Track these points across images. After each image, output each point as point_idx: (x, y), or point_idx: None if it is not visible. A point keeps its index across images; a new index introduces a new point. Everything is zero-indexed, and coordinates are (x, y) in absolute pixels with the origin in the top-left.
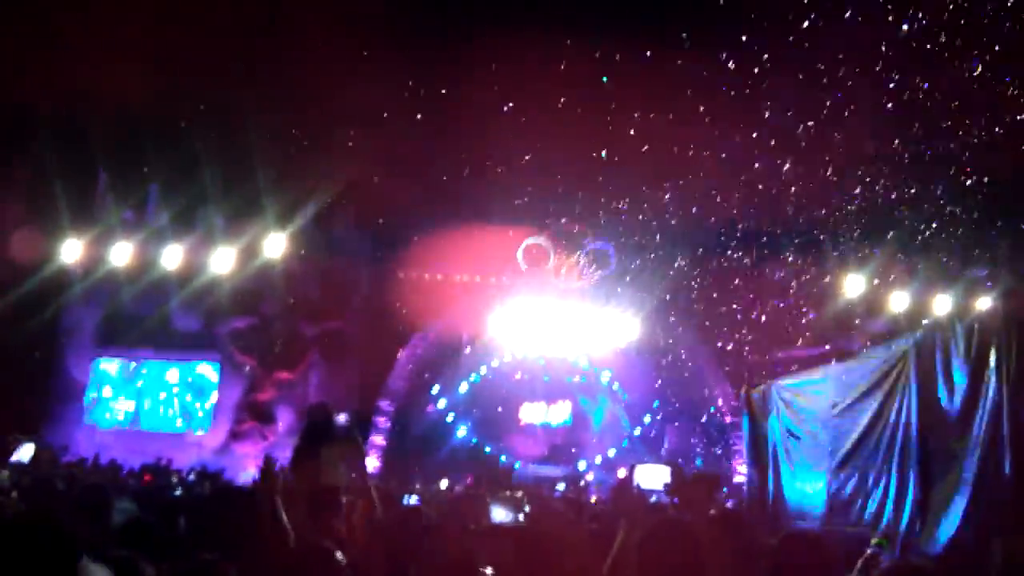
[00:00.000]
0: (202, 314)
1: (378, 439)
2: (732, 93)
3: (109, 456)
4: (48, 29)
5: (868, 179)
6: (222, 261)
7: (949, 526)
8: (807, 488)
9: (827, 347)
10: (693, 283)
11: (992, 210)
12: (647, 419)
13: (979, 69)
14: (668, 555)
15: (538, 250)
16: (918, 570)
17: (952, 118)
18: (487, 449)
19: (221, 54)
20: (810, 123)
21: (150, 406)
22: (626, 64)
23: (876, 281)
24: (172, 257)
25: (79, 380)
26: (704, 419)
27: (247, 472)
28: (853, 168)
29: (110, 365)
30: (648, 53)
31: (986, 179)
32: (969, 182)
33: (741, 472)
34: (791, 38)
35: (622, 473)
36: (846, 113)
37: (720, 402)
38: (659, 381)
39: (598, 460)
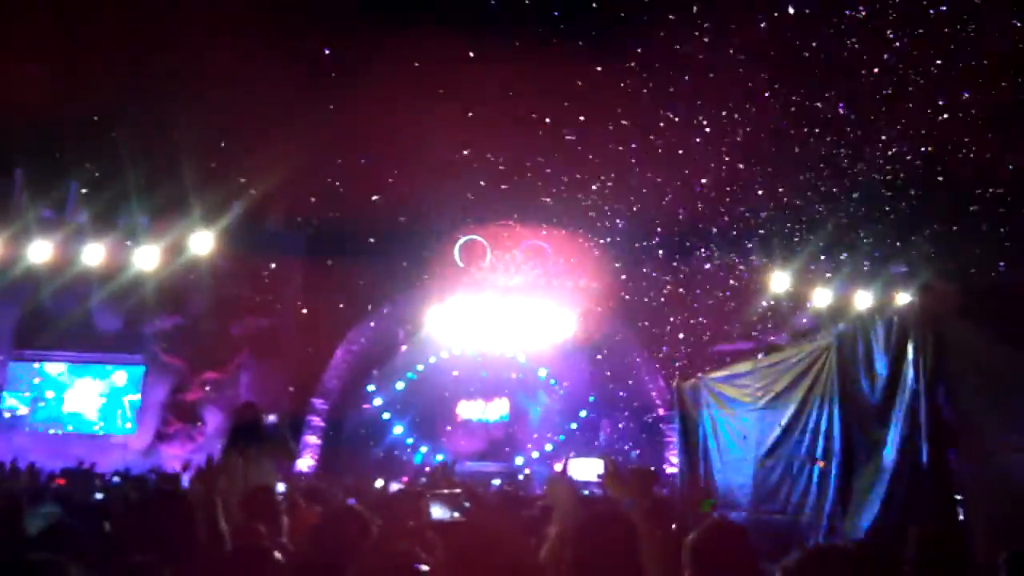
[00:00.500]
0: (125, 313)
1: (312, 439)
2: (661, 97)
3: (28, 460)
4: None
5: (792, 182)
6: (146, 259)
7: (870, 513)
8: (736, 478)
9: (755, 342)
10: (628, 280)
11: (909, 212)
12: (583, 413)
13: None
14: (604, 544)
15: (475, 247)
16: (843, 552)
17: (871, 125)
18: (423, 447)
19: (138, 52)
20: (735, 127)
21: (71, 408)
22: (560, 66)
23: (801, 278)
24: (93, 255)
25: None
26: (639, 412)
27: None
28: (778, 171)
29: (28, 365)
30: (580, 57)
31: (902, 183)
32: (887, 187)
33: (674, 463)
34: (713, 44)
35: (559, 468)
36: (770, 118)
37: (654, 395)
38: (595, 376)
39: (535, 455)
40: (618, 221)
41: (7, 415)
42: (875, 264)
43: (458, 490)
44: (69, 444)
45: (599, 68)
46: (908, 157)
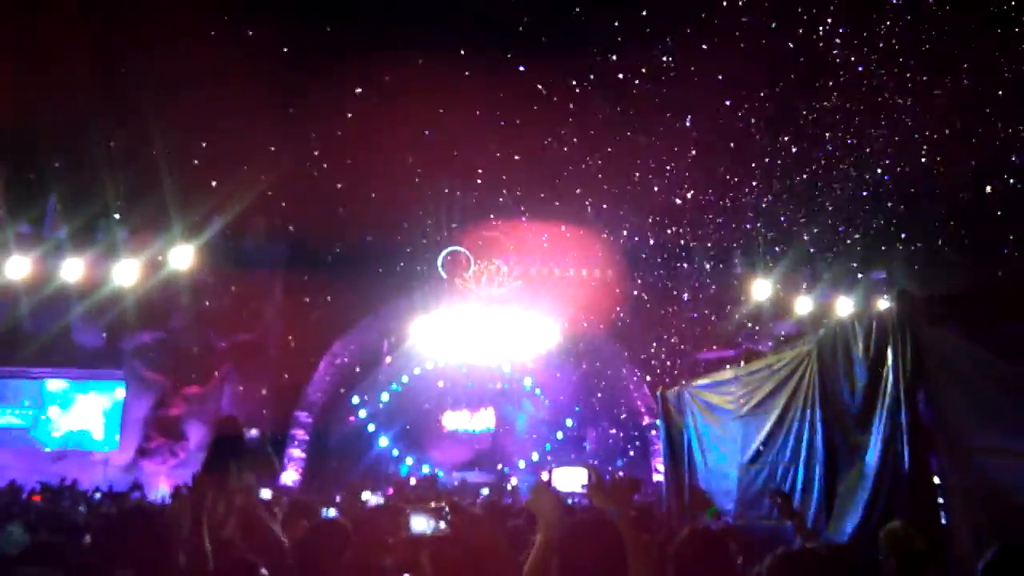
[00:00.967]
0: (105, 329)
1: (297, 452)
2: (639, 105)
3: (9, 477)
4: None
5: (773, 193)
6: (126, 274)
7: (854, 517)
8: (721, 484)
9: (738, 349)
10: (612, 289)
11: (888, 221)
12: (569, 422)
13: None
14: (591, 552)
15: (458, 258)
16: (813, 556)
17: (850, 137)
18: (409, 459)
19: (113, 62)
20: (715, 135)
21: (51, 425)
22: (539, 75)
23: (783, 286)
24: (72, 270)
25: None
26: (624, 421)
27: (157, 490)
28: (759, 182)
29: (6, 383)
30: (558, 67)
31: (882, 192)
32: (866, 195)
33: (660, 471)
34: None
35: (544, 477)
36: (753, 131)
37: (639, 404)
38: (580, 385)
39: (522, 465)
40: (602, 231)
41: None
42: (855, 271)
43: (441, 503)
44: (50, 461)
45: (576, 78)
46: (887, 163)
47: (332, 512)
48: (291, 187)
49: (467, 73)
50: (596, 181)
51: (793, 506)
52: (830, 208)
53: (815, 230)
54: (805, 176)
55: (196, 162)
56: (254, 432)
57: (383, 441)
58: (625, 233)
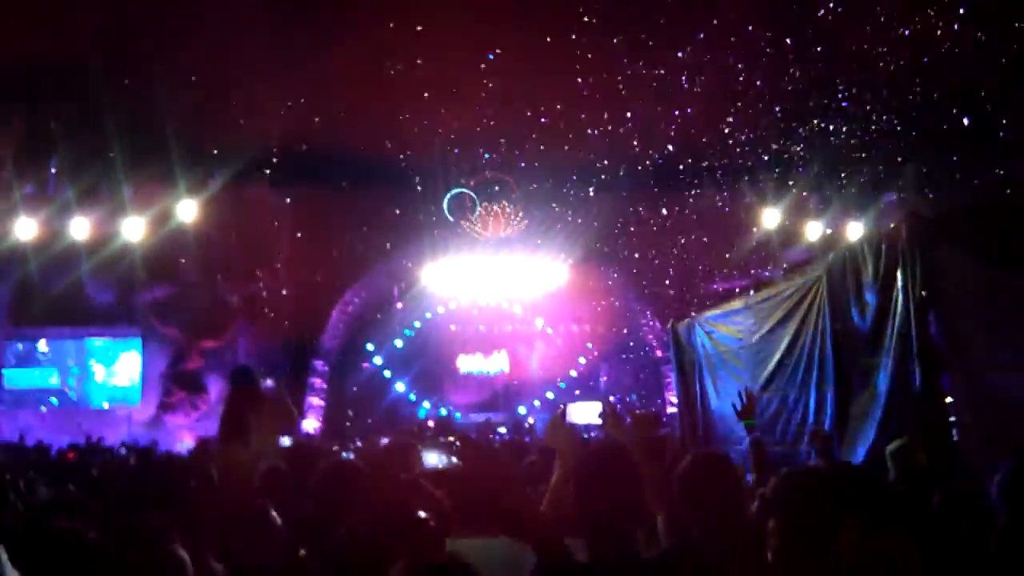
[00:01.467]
0: (117, 286)
1: (315, 400)
2: (647, 30)
3: (35, 437)
4: None
5: (781, 117)
6: (133, 230)
7: (866, 438)
8: (734, 413)
9: (749, 278)
10: (619, 225)
11: (898, 142)
12: (582, 360)
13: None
14: (607, 476)
15: (463, 200)
16: (818, 474)
17: (860, 58)
18: (426, 403)
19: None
20: (725, 62)
21: (72, 383)
22: (543, 8)
23: (793, 212)
24: (80, 229)
25: None
26: (637, 355)
27: (182, 443)
28: (767, 106)
29: (24, 343)
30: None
31: (891, 114)
32: (876, 115)
33: (674, 403)
34: None
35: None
36: (761, 56)
37: (650, 338)
38: (591, 323)
39: (537, 404)
40: (607, 162)
41: (8, 392)
42: (866, 194)
43: (451, 438)
44: (74, 420)
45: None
46: (896, 81)
47: (350, 456)
48: (296, 136)
49: (478, 8)
50: (604, 109)
51: (831, 450)
52: (844, 127)
53: (824, 152)
54: (814, 95)
55: (199, 108)
56: (270, 382)
57: (400, 386)
58: (631, 165)
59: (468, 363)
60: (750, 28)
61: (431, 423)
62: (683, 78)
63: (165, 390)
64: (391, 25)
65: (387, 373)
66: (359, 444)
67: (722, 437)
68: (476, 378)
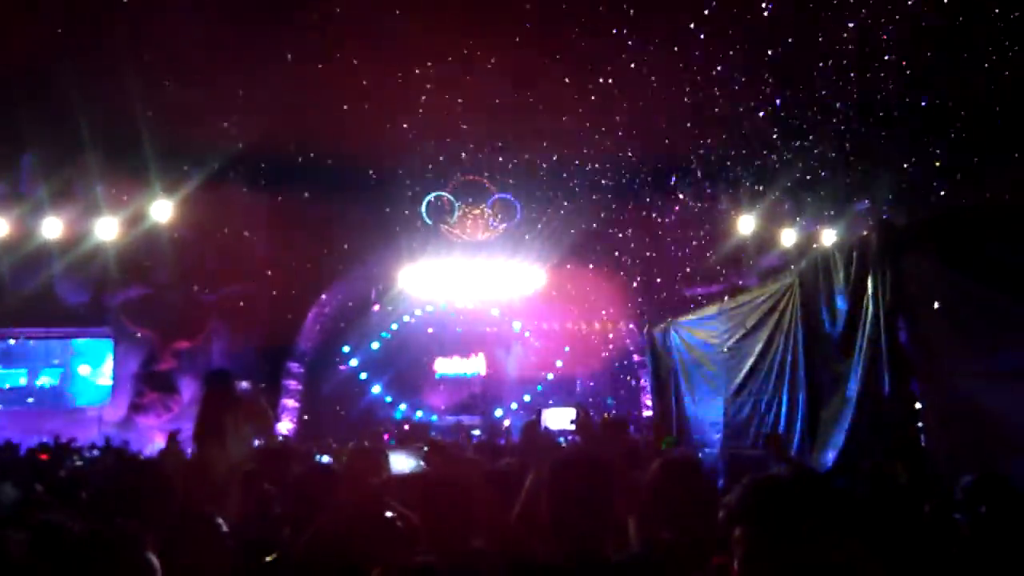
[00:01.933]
0: (89, 286)
1: (290, 402)
2: (623, 35)
3: (3, 437)
4: None
5: (757, 125)
6: (106, 230)
7: (836, 443)
8: (708, 417)
9: (724, 284)
10: (597, 229)
11: (871, 151)
12: (559, 363)
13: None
14: (579, 483)
15: (442, 204)
16: (780, 483)
17: (833, 69)
18: (403, 405)
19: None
20: (701, 70)
21: (42, 383)
22: (523, 11)
23: (767, 219)
24: (52, 228)
25: None
26: (613, 360)
27: (153, 444)
28: (742, 114)
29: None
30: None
31: (862, 124)
32: (847, 127)
33: (650, 407)
34: None
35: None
36: (734, 65)
37: (627, 342)
38: (568, 326)
39: (514, 407)
40: (586, 167)
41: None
42: (839, 202)
43: (420, 443)
44: (44, 420)
45: (563, 6)
46: (871, 87)
47: (326, 459)
48: (273, 137)
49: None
50: (582, 116)
51: (787, 450)
52: (818, 135)
53: (799, 163)
54: (789, 107)
55: (174, 109)
56: (246, 384)
57: (376, 388)
58: (608, 170)
59: (445, 366)
60: (729, 32)
61: (407, 426)
62: (660, 84)
63: (137, 391)
64: (368, 28)
65: (363, 375)
66: (333, 446)
67: (696, 441)
68: (453, 380)
